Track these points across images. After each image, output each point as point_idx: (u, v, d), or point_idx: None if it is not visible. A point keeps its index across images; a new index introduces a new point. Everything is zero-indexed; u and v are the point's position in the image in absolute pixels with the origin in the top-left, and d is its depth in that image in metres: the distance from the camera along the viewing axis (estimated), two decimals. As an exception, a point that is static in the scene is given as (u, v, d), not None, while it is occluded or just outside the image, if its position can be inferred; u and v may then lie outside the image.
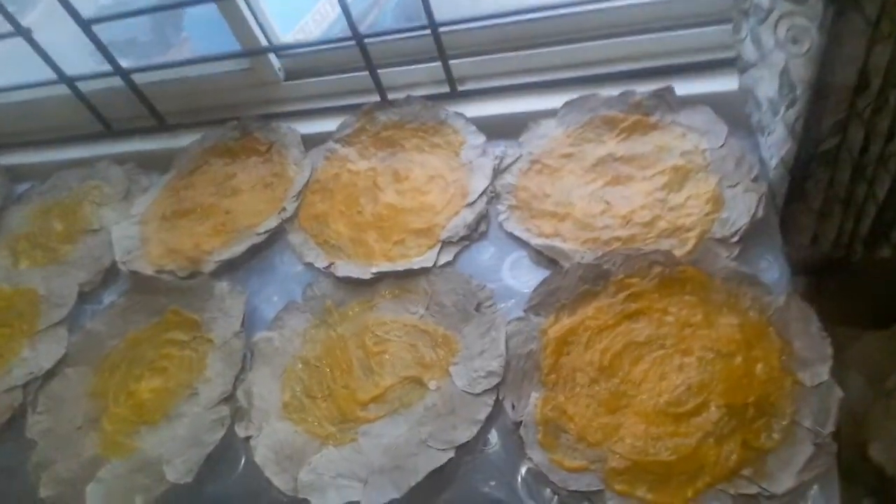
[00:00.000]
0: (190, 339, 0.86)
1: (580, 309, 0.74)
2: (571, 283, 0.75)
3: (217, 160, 1.06)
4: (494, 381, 0.70)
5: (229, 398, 0.78)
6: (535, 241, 0.81)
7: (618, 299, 0.73)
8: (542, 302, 0.75)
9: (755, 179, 0.77)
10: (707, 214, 0.77)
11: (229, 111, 1.12)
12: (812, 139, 0.65)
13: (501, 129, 0.94)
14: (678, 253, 0.75)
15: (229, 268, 0.92)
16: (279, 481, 0.70)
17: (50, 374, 0.88)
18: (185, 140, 1.11)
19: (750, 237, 0.74)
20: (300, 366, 0.80)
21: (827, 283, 0.94)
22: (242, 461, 0.74)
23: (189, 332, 0.86)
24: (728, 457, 0.61)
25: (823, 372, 0.63)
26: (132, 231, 1.01)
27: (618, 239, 0.78)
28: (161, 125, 1.14)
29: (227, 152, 1.06)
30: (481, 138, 0.94)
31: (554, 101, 0.94)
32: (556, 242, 0.80)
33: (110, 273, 0.98)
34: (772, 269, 0.72)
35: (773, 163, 0.71)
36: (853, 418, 0.90)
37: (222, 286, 0.88)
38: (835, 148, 0.66)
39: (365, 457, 0.70)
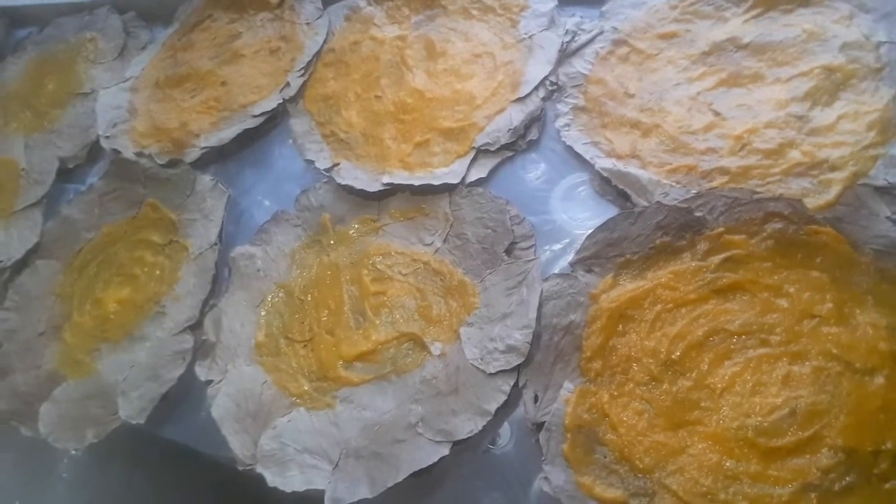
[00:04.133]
0: (165, 244, 0.71)
1: (651, 271, 0.52)
2: (644, 232, 0.53)
3: (222, 14, 0.86)
4: (515, 360, 0.51)
5: (196, 325, 0.64)
6: (602, 163, 0.58)
7: (709, 264, 0.51)
8: (599, 254, 0.54)
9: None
10: (867, 146, 0.52)
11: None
12: None
13: (580, -9, 0.68)
14: (812, 203, 0.50)
15: (218, 156, 0.75)
16: (236, 443, 0.56)
17: (20, 266, 0.77)
18: (190, -14, 0.90)
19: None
20: (282, 296, 0.63)
21: None
22: (204, 408, 0.61)
23: (165, 233, 0.71)
24: (838, 532, 0.41)
25: None
26: (121, 99, 0.84)
27: (723, 172, 0.54)
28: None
29: (234, 4, 0.85)
30: (550, 2, 0.68)
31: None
32: (632, 168, 0.56)
33: (96, 149, 0.84)
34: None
35: None
36: None
37: (205, 181, 0.71)
38: None
39: (340, 431, 0.54)
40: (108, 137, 0.81)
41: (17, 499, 0.91)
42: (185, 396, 0.62)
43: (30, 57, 0.98)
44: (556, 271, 0.56)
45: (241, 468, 0.55)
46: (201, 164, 0.74)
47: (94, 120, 0.84)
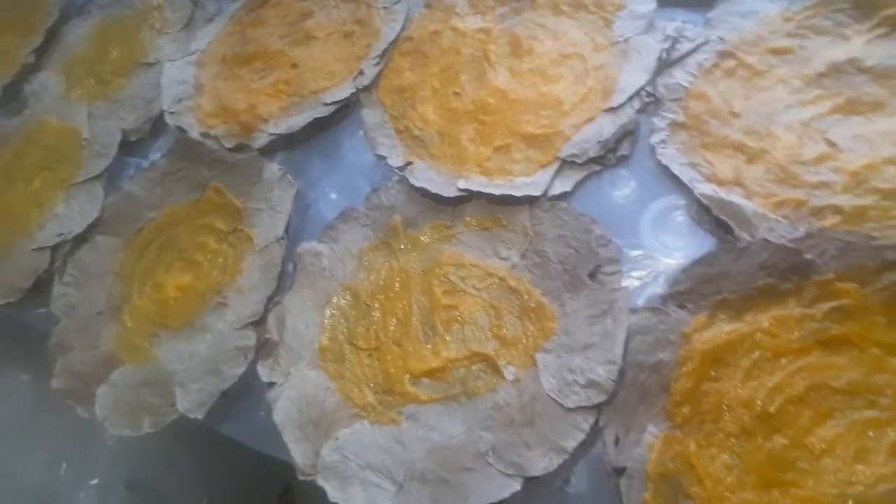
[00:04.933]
0: (229, 231, 0.69)
1: (750, 313, 0.49)
2: (746, 271, 0.49)
3: (293, -10, 0.82)
4: (597, 397, 0.48)
5: (259, 322, 0.62)
6: (702, 188, 0.53)
7: (815, 312, 0.47)
8: (694, 289, 0.50)
9: None
10: None
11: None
12: None
13: (683, -7, 0.63)
14: (940, 256, 0.46)
15: (286, 143, 0.72)
16: (297, 451, 0.55)
17: (80, 240, 0.76)
18: (261, -44, 0.87)
19: None
20: (348, 299, 0.61)
21: None
22: (265, 406, 0.60)
23: (229, 220, 0.70)
24: None
25: None
26: (186, 73, 0.82)
27: (836, 210, 0.50)
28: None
29: (307, -20, 0.82)
30: (650, 3, 0.63)
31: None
32: (735, 196, 0.52)
33: (159, 123, 0.82)
34: None
35: None
36: None
37: (273, 169, 0.69)
38: None
39: (405, 450, 0.52)
40: (172, 113, 0.79)
41: (63, 461, 0.93)
42: (244, 393, 0.61)
43: (94, 21, 0.97)
44: (640, 302, 0.52)
45: (301, 477, 0.54)
46: (268, 149, 0.72)
47: (157, 92, 0.82)
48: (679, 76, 0.59)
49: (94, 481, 0.90)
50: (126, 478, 0.91)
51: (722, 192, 0.52)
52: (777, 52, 0.57)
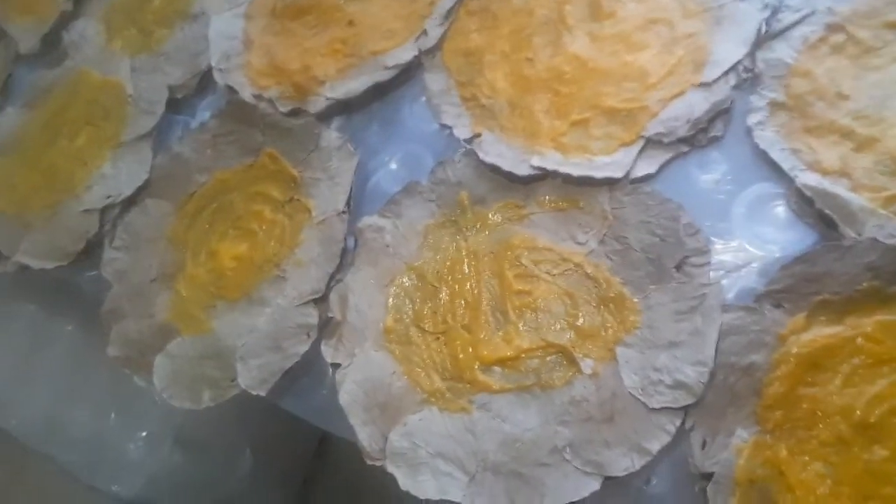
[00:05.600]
0: (285, 201, 0.67)
1: (853, 317, 0.46)
2: (851, 271, 0.46)
3: (349, -62, 0.76)
4: (685, 399, 0.46)
5: (321, 299, 0.60)
6: (805, 178, 0.50)
7: (927, 319, 0.44)
8: (793, 288, 0.47)
9: None
10: None
11: None
12: None
13: (787, -46, 0.57)
14: None
15: (343, 108, 0.69)
16: (364, 435, 0.54)
17: (129, 202, 0.74)
18: None
19: None
20: (413, 279, 0.59)
21: None
22: (327, 384, 0.59)
23: (285, 189, 0.67)
24: None
25: None
26: (234, 28, 0.78)
27: (957, 208, 0.46)
28: None
29: (362, -74, 0.76)
30: (747, -35, 0.58)
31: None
32: (841, 188, 0.48)
33: (206, 79, 0.78)
34: None
35: None
36: None
37: (331, 137, 0.66)
38: None
39: (476, 440, 0.51)
40: (221, 70, 0.75)
41: (112, 412, 0.94)
42: (305, 370, 0.60)
43: (133, -36, 0.91)
44: (730, 297, 0.50)
45: (369, 462, 0.53)
46: (325, 115, 0.68)
47: (203, 46, 0.78)
48: (781, 50, 0.54)
49: (143, 433, 0.91)
50: (175, 431, 0.92)
51: (826, 183, 0.49)
52: (894, 26, 0.52)
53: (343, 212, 0.62)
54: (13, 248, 0.76)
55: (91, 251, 0.74)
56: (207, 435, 0.97)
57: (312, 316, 0.60)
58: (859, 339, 0.45)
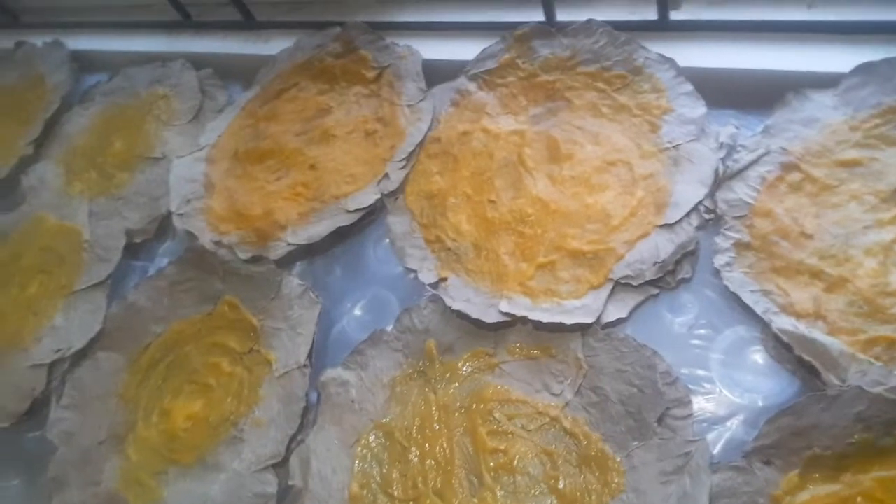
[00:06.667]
0: (244, 352, 0.63)
1: (848, 473, 0.43)
2: (840, 423, 0.43)
3: (310, 84, 0.78)
4: (680, 578, 0.42)
5: (280, 464, 0.56)
6: (780, 322, 0.48)
7: (927, 476, 0.42)
8: (781, 443, 0.44)
9: None
10: None
11: (333, 10, 0.81)
12: None
13: (735, 96, 0.59)
14: None
15: (305, 253, 0.67)
16: None
17: (80, 356, 0.70)
18: (274, 46, 0.84)
19: None
20: (380, 439, 0.55)
21: None
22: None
23: (244, 340, 0.64)
24: None
25: None
26: (196, 171, 0.77)
27: (938, 352, 0.44)
28: (248, 21, 0.86)
29: (324, 74, 0.78)
30: (700, 107, 0.59)
31: (837, 58, 0.57)
32: (818, 333, 0.47)
33: (166, 223, 0.77)
34: None
35: None
36: None
37: (293, 284, 0.64)
38: None
39: None
40: (181, 215, 0.74)
41: None
42: (263, 547, 0.54)
43: (97, 109, 0.92)
44: (717, 451, 0.47)
45: None
46: (286, 260, 0.66)
47: (163, 190, 0.77)
48: (741, 190, 0.54)
49: None
50: None
51: (803, 328, 0.47)
52: (846, 164, 0.53)
53: (305, 365, 0.59)
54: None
55: (36, 410, 0.69)
56: None
57: (271, 483, 0.55)
58: (858, 499, 0.42)
